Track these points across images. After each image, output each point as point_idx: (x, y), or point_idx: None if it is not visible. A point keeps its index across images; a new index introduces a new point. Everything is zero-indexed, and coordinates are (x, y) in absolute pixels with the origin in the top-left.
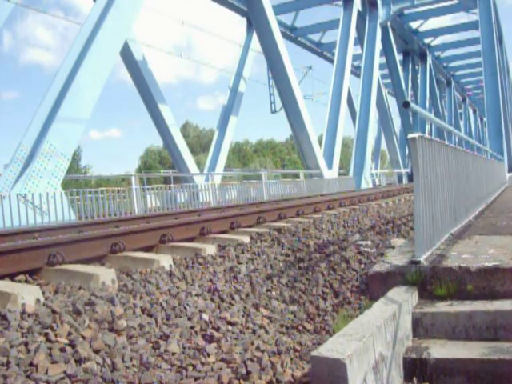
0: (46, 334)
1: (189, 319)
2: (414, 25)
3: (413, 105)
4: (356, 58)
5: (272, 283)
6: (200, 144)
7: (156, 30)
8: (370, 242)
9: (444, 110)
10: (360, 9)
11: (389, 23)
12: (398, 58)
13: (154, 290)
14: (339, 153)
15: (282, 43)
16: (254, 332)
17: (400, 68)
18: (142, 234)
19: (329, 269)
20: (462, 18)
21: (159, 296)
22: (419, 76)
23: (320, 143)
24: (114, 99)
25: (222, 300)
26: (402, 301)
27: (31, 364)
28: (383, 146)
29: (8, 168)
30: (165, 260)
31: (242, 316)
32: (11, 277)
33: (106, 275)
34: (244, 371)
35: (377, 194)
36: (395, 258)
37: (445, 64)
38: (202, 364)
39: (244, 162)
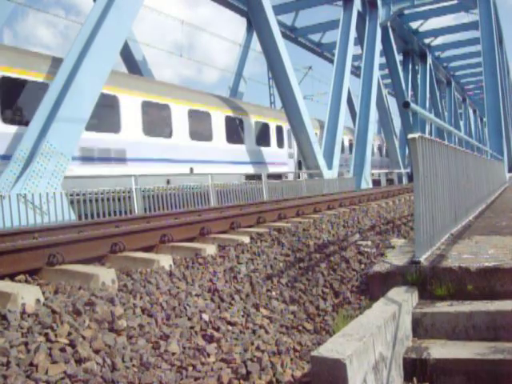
0: (46, 334)
1: (189, 319)
2: (414, 25)
3: (413, 105)
4: (356, 58)
5: (272, 283)
6: None
7: (158, 30)
8: (370, 242)
9: (444, 110)
10: (360, 9)
11: (389, 23)
12: (398, 58)
13: (153, 290)
14: (339, 153)
15: (282, 43)
16: (254, 332)
17: (400, 68)
18: (142, 234)
19: (329, 269)
20: (463, 17)
21: (159, 296)
22: (419, 76)
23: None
24: None
25: (222, 300)
26: (402, 301)
27: (31, 364)
28: None
29: (8, 168)
30: (165, 260)
31: (242, 316)
32: (11, 277)
33: (105, 275)
34: (244, 371)
35: (377, 194)
36: (395, 258)
37: (445, 64)
38: (202, 364)
39: None
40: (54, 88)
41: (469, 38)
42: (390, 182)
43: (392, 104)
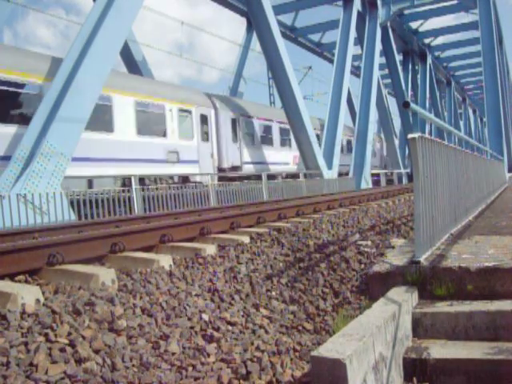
0: (46, 334)
1: (189, 319)
2: (413, 25)
3: (413, 105)
4: (356, 58)
5: (272, 283)
6: None
7: (159, 31)
8: (369, 242)
9: (444, 109)
10: (360, 9)
11: (389, 23)
12: (398, 58)
13: (153, 290)
14: (339, 153)
15: (281, 43)
16: (253, 332)
17: (400, 68)
18: (141, 234)
19: (329, 269)
20: (463, 17)
21: (159, 296)
22: (419, 76)
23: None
24: None
25: (222, 300)
26: (402, 301)
27: (31, 364)
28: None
29: (8, 168)
30: (165, 260)
31: (242, 316)
32: (11, 277)
33: (105, 275)
34: (244, 371)
35: (377, 194)
36: (395, 258)
37: (445, 64)
38: (202, 364)
39: None
40: (54, 88)
41: (469, 38)
42: (388, 182)
43: (392, 104)
